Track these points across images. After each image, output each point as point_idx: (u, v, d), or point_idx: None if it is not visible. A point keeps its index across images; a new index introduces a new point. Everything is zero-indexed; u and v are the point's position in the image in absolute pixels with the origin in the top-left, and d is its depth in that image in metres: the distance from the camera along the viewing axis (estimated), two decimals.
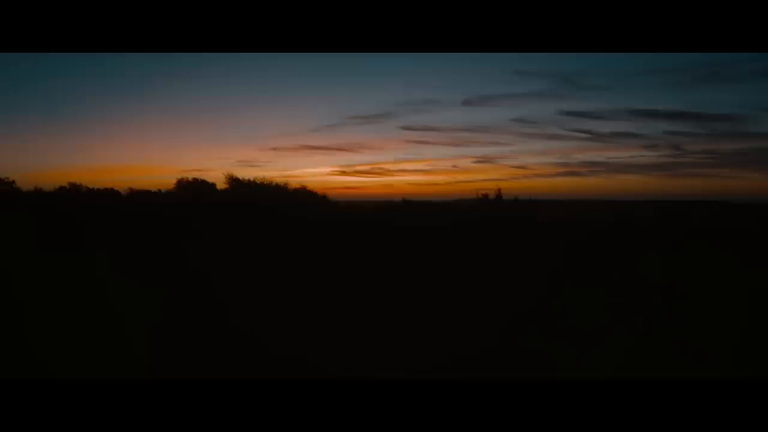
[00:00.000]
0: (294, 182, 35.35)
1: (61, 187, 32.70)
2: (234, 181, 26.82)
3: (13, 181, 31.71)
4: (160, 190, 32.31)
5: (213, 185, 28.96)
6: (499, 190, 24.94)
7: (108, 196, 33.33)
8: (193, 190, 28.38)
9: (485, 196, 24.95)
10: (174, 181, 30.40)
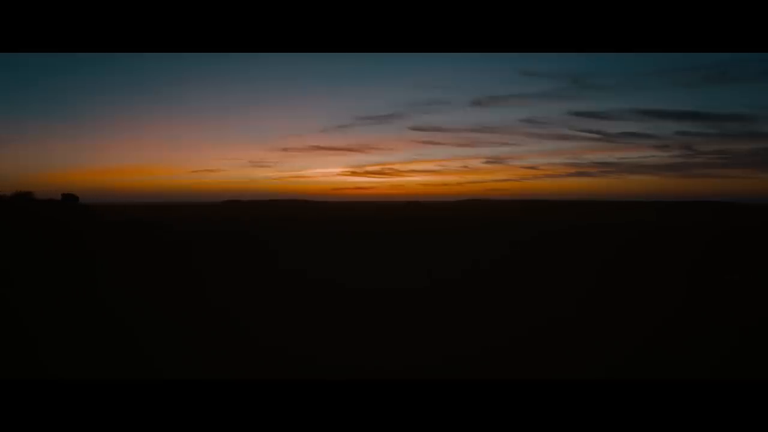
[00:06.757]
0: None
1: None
2: None
3: (13, 182, 32.50)
4: None
5: None
6: None
7: None
8: None
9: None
10: (181, 182, 31.46)
